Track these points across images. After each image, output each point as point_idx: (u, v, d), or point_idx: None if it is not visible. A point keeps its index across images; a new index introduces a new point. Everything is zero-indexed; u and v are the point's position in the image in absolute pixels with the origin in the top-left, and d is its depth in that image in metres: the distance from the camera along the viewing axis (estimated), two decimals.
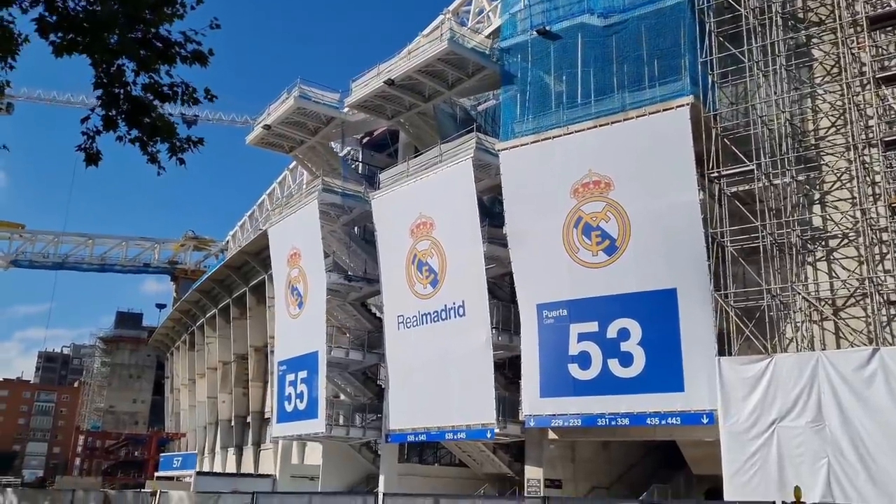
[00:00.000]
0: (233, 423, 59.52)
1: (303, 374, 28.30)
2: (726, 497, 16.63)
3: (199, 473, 28.86)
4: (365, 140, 34.90)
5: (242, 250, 52.11)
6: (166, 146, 8.66)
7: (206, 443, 66.58)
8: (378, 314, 31.49)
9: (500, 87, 27.55)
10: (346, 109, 29.53)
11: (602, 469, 24.26)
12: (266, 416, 53.63)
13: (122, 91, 8.07)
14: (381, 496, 12.37)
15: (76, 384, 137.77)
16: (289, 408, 28.90)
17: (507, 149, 23.68)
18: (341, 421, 27.82)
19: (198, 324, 68.49)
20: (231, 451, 56.27)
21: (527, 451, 23.74)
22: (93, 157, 8.17)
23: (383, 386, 31.01)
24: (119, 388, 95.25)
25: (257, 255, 51.24)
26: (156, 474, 36.65)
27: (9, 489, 21.75)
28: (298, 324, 29.19)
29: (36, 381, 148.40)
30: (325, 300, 27.70)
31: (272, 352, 50.60)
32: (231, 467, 54.10)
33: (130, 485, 45.22)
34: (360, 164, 34.64)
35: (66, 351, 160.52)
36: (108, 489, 18.46)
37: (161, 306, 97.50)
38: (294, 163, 64.53)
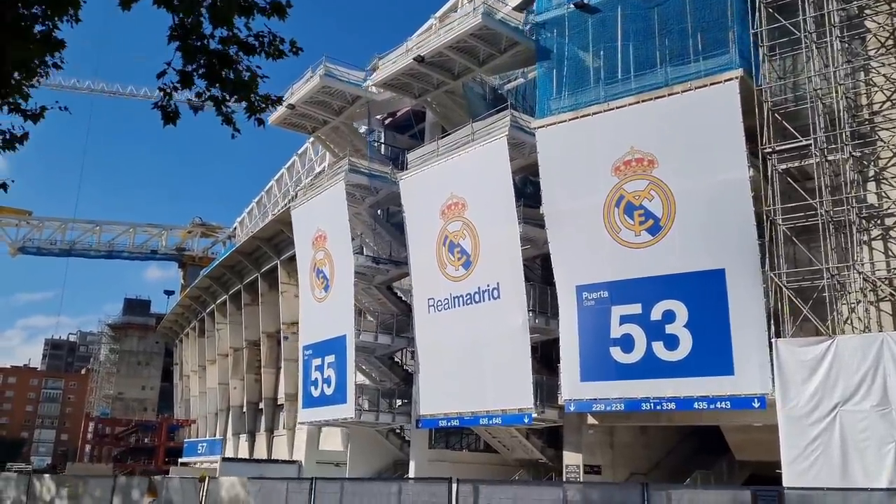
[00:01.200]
0: (244, 410, 59.16)
1: (330, 359, 27.73)
2: (786, 483, 16.04)
3: (225, 459, 28.35)
4: (387, 121, 34.17)
5: (254, 236, 51.51)
6: (243, 105, 8.05)
7: (217, 429, 66.26)
8: (404, 298, 30.93)
9: (532, 64, 26.81)
10: (371, 88, 28.75)
11: (640, 454, 23.74)
12: (279, 403, 53.27)
13: (200, 44, 7.43)
14: (454, 481, 11.85)
15: (83, 371, 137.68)
16: (315, 393, 28.37)
17: (543, 126, 22.98)
18: (367, 406, 27.27)
19: (208, 310, 68.01)
20: (243, 437, 55.92)
21: (565, 436, 23.22)
22: (170, 116, 7.56)
23: (409, 370, 30.52)
24: (128, 375, 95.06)
25: (269, 241, 50.67)
26: (180, 460, 36.19)
27: (46, 475, 21.19)
28: (324, 307, 28.59)
29: (42, 368, 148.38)
30: (353, 282, 27.09)
31: (286, 338, 50.21)
32: (244, 453, 53.75)
33: (151, 471, 44.87)
34: (383, 146, 33.93)
35: (72, 338, 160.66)
36: (153, 477, 17.88)
37: (169, 293, 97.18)
38: (304, 147, 63.91)
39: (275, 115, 30.70)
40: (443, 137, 26.39)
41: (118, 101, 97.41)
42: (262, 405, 56.00)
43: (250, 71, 7.19)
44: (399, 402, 28.27)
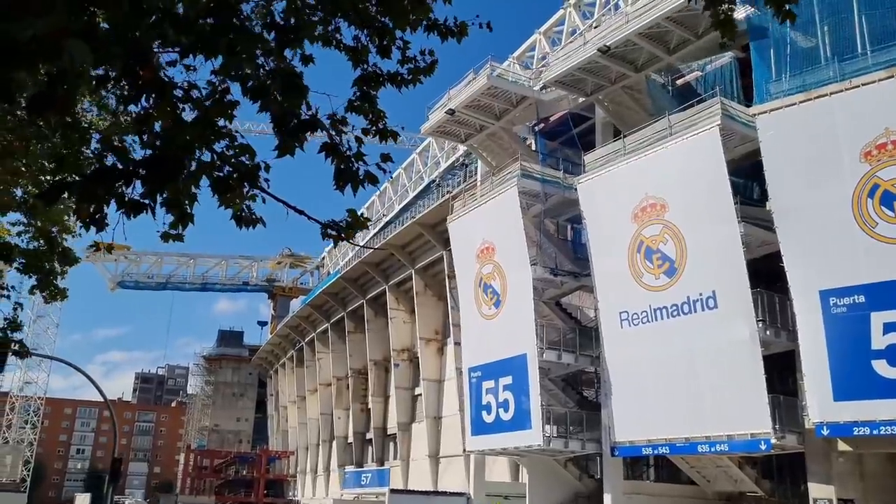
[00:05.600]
0: (350, 440, 57.54)
1: (505, 381, 25.38)
2: None
3: (393, 491, 26.27)
4: (537, 127, 32.08)
5: (363, 261, 50.12)
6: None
7: (318, 461, 64.75)
8: (573, 314, 28.54)
9: (725, 50, 24.39)
10: (539, 88, 26.78)
11: (891, 486, 20.44)
12: (390, 433, 51.27)
13: None
14: None
15: (173, 404, 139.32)
16: (488, 419, 25.99)
17: (765, 112, 20.44)
18: (548, 431, 24.73)
19: (307, 339, 67.05)
20: (350, 469, 54.10)
21: (809, 465, 20.17)
22: None
23: (583, 393, 27.98)
24: (223, 407, 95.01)
25: (377, 266, 49.20)
26: (342, 492, 34.38)
27: None
28: (495, 325, 26.35)
29: (133, 401, 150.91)
30: (532, 297, 24.79)
31: (396, 365, 48.33)
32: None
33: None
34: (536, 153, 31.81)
35: (160, 372, 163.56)
36: None
37: (262, 324, 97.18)
38: (396, 172, 62.73)
39: (430, 123, 29.02)
40: (627, 135, 24.05)
41: None
42: (370, 435, 54.23)
43: None
44: (579, 427, 25.65)
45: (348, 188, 5.24)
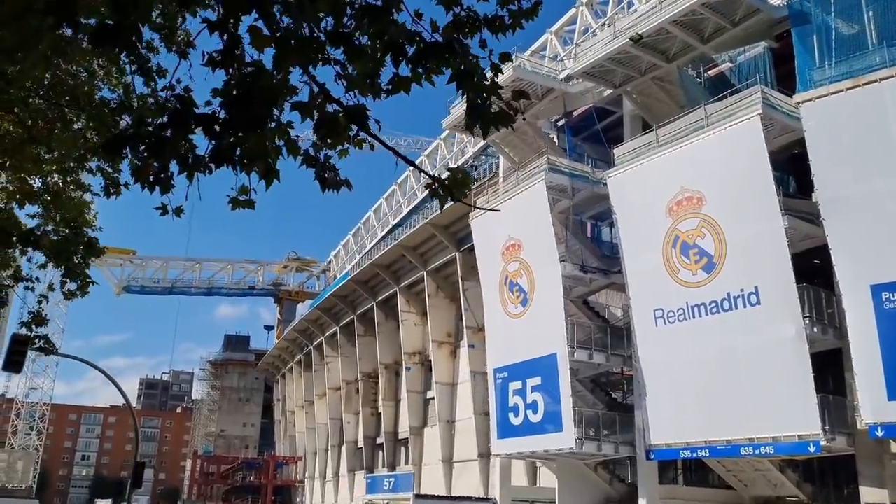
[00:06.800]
0: (360, 445, 56.66)
1: (534, 382, 24.51)
2: None
3: (418, 496, 25.38)
4: (559, 122, 31.29)
5: (374, 263, 49.28)
6: None
7: (327, 466, 63.85)
8: (600, 313, 27.72)
9: (759, 39, 23.65)
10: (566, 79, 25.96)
11: None
12: (401, 437, 50.38)
13: None
14: None
15: (178, 410, 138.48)
16: (516, 421, 25.10)
17: (809, 100, 19.64)
18: (578, 434, 23.82)
19: (315, 343, 66.17)
20: (360, 474, 53.15)
21: (860, 468, 19.32)
22: None
23: (611, 394, 27.14)
24: (229, 412, 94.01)
25: (388, 268, 48.38)
26: (364, 497, 33.49)
27: None
28: (522, 324, 25.50)
29: (138, 407, 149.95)
30: (561, 295, 23.94)
31: (408, 368, 47.49)
32: (360, 491, 50.83)
33: None
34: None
35: (165, 377, 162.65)
36: None
37: (269, 328, 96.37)
38: (403, 176, 62.03)
39: (452, 117, 28.22)
40: (660, 127, 23.26)
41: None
42: (380, 440, 53.35)
43: None
44: (608, 430, 24.76)
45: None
